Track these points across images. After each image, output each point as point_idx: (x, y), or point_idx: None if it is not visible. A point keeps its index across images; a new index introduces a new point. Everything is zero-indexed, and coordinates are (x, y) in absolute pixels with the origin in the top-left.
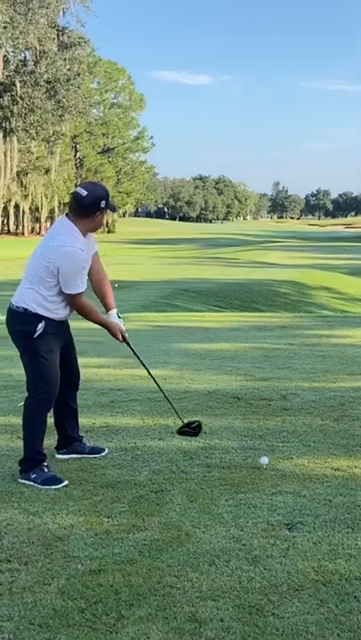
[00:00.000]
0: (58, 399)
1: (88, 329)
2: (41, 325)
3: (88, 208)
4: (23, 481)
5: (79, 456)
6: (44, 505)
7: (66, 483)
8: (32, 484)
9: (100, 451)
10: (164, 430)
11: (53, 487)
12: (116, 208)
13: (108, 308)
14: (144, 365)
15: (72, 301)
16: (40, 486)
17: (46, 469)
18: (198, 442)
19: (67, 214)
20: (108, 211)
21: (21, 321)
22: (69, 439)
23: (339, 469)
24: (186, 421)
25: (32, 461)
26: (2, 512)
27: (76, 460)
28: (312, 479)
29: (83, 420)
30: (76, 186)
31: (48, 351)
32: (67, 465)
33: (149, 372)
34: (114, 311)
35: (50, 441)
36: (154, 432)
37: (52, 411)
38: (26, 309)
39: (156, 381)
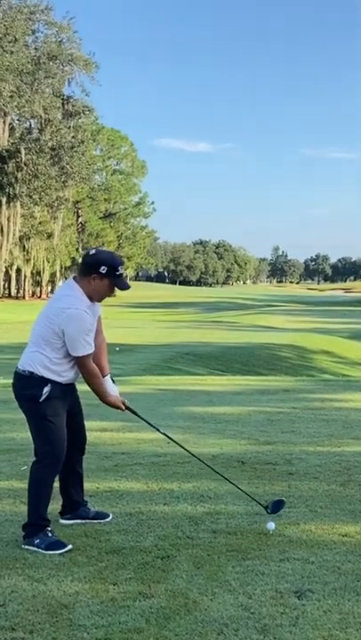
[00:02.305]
0: (64, 463)
1: (90, 391)
2: (47, 389)
3: (87, 267)
4: (27, 546)
5: (83, 521)
6: (48, 571)
7: (70, 547)
8: (36, 549)
9: (104, 516)
10: (169, 495)
11: (57, 552)
12: (125, 286)
13: (102, 373)
14: (155, 427)
15: (78, 364)
16: (44, 552)
17: (50, 534)
18: (203, 507)
19: (74, 276)
20: (113, 284)
21: (27, 384)
22: (74, 504)
23: (347, 535)
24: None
25: (36, 526)
26: (6, 579)
27: (80, 526)
28: (320, 545)
29: (86, 485)
30: (77, 250)
31: (54, 415)
32: (71, 530)
33: (167, 436)
34: (108, 377)
35: (54, 505)
36: (158, 497)
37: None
38: (32, 373)
39: (181, 445)
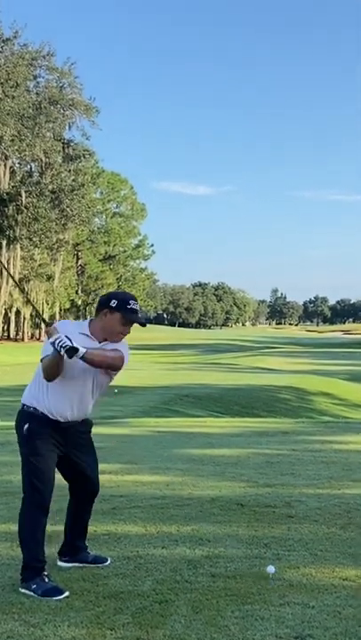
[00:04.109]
0: (73, 507)
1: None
2: (28, 425)
3: (99, 304)
4: (23, 590)
5: (81, 565)
6: (45, 616)
7: (67, 594)
8: (32, 594)
9: (103, 560)
10: (168, 538)
11: (54, 598)
12: (138, 320)
13: None
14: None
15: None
16: (40, 597)
17: (47, 579)
18: (202, 550)
19: (91, 319)
20: (126, 319)
21: (17, 419)
22: (75, 548)
23: (347, 579)
24: None
25: (32, 569)
26: (2, 624)
27: (77, 570)
28: (320, 590)
29: None
30: (76, 293)
31: (36, 454)
32: (68, 574)
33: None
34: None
35: (51, 549)
36: (157, 540)
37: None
38: (23, 405)
39: None
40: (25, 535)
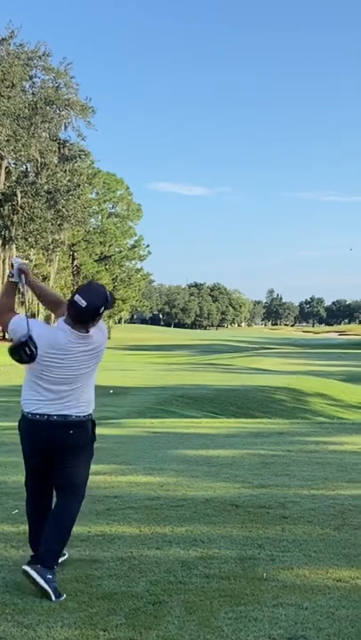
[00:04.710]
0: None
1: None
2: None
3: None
4: (34, 573)
5: (63, 558)
6: (38, 617)
7: (64, 597)
8: (40, 580)
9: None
10: (162, 539)
11: (54, 598)
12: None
13: None
14: None
15: None
16: (47, 588)
17: (55, 577)
18: (196, 551)
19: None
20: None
21: (85, 427)
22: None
23: (341, 580)
24: None
25: (58, 559)
26: None
27: (71, 571)
28: (314, 590)
29: (78, 529)
30: (72, 292)
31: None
32: (62, 575)
33: None
34: None
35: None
36: (151, 541)
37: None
38: (89, 415)
39: None
40: (70, 528)
